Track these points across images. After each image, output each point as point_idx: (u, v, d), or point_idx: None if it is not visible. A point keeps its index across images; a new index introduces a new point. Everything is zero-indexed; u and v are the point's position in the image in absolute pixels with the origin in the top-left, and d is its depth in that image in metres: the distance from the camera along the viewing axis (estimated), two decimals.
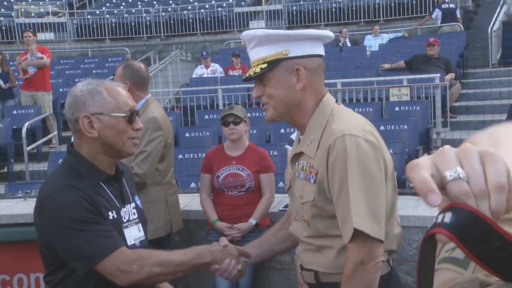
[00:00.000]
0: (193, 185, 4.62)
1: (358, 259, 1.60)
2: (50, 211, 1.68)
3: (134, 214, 1.85)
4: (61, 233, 1.65)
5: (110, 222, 1.72)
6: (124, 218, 1.80)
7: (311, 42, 1.74)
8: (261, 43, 1.72)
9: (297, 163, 1.79)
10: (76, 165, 1.76)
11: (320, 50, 1.77)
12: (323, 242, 1.74)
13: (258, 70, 1.72)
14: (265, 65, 1.71)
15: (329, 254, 1.73)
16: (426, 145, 6.54)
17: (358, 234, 1.58)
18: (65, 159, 1.83)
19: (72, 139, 1.84)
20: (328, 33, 1.81)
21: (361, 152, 1.61)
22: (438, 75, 7.74)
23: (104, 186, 1.77)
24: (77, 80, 11.32)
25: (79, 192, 1.67)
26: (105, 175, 1.78)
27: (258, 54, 1.73)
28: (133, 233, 1.82)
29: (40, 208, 1.72)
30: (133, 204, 1.87)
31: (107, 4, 17.45)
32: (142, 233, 1.86)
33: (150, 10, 15.66)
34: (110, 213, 1.74)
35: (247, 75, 1.77)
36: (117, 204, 1.79)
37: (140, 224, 1.86)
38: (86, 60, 13.55)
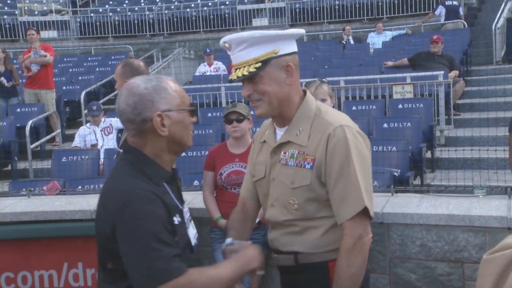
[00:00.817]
0: (196, 182, 4.62)
1: (357, 234, 1.79)
2: (129, 219, 1.55)
3: (188, 212, 1.82)
4: (135, 244, 1.54)
5: (176, 227, 1.65)
6: (185, 219, 1.75)
7: (292, 40, 1.90)
8: (254, 44, 1.82)
9: (282, 152, 1.92)
10: (142, 166, 1.66)
11: (296, 47, 1.93)
12: (309, 223, 1.88)
13: (252, 69, 1.82)
14: (259, 64, 1.82)
15: (313, 233, 1.88)
16: (430, 142, 6.52)
17: (357, 213, 1.79)
18: (128, 160, 1.70)
19: (128, 139, 1.72)
20: (302, 31, 1.99)
21: (356, 141, 1.82)
22: (442, 72, 7.71)
23: (167, 187, 1.70)
24: (80, 78, 11.36)
25: (158, 201, 1.60)
26: (169, 174, 1.72)
27: (250, 55, 1.83)
28: (192, 232, 1.78)
29: (117, 213, 1.57)
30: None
31: (110, 2, 17.47)
32: (195, 230, 1.83)
33: (153, 8, 15.67)
34: (175, 218, 1.66)
35: (240, 74, 1.84)
36: (179, 205, 1.73)
37: (192, 221, 1.84)
38: (89, 58, 13.55)
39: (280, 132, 1.95)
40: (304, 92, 1.97)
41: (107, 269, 1.67)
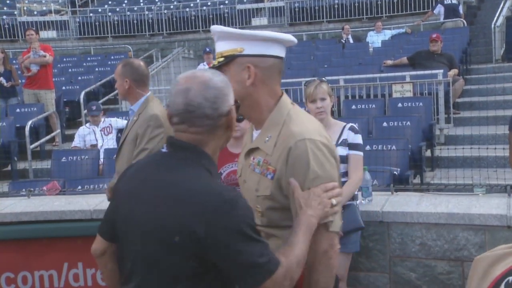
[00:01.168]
0: None
1: (322, 249, 1.75)
2: (231, 220, 1.49)
3: None
4: (241, 239, 1.49)
5: None
6: None
7: (266, 43, 1.84)
8: (221, 39, 1.85)
9: (252, 157, 1.89)
10: (207, 165, 1.59)
11: (277, 52, 1.86)
12: (273, 231, 1.84)
13: (216, 63, 1.85)
14: (222, 58, 1.84)
15: (275, 243, 1.81)
16: (429, 141, 6.52)
17: (320, 227, 1.73)
18: (191, 159, 1.59)
19: (182, 136, 1.62)
20: (288, 37, 1.88)
21: (319, 154, 1.74)
22: (441, 71, 7.71)
23: None
24: (79, 78, 11.35)
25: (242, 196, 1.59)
26: (219, 173, 1.70)
27: (219, 48, 1.87)
28: None
29: (215, 216, 1.48)
30: None
31: (109, 2, 17.46)
32: None
33: (152, 7, 15.66)
34: None
35: (212, 65, 1.89)
36: None
37: None
38: (88, 58, 13.56)
39: (255, 134, 1.94)
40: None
41: (165, 271, 1.57)
